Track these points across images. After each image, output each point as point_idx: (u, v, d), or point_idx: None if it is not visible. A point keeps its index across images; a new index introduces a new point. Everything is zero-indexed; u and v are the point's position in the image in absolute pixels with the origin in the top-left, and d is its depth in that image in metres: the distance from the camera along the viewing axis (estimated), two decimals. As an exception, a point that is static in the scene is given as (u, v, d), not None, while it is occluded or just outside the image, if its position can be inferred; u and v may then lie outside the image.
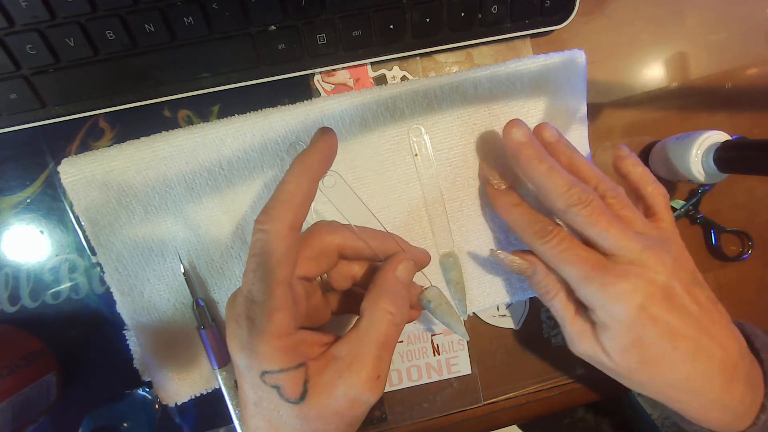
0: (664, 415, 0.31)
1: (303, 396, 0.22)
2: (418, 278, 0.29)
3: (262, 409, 0.22)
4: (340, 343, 0.24)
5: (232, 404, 0.32)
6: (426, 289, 0.29)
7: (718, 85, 0.36)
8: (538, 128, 0.30)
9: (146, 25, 0.28)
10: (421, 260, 0.29)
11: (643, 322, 0.25)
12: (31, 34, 0.28)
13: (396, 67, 0.34)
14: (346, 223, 0.28)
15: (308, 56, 0.31)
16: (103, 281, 0.33)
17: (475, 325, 0.37)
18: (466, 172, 0.34)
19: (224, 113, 0.33)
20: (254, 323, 0.22)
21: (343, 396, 0.22)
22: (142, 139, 0.31)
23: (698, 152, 0.31)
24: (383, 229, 0.29)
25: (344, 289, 0.29)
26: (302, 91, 0.33)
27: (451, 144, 0.33)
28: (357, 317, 0.25)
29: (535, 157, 0.27)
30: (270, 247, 0.22)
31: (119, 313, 0.32)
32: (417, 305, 0.29)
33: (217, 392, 0.34)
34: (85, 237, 0.32)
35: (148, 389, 0.34)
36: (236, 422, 0.31)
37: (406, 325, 0.35)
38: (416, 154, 0.33)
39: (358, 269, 0.29)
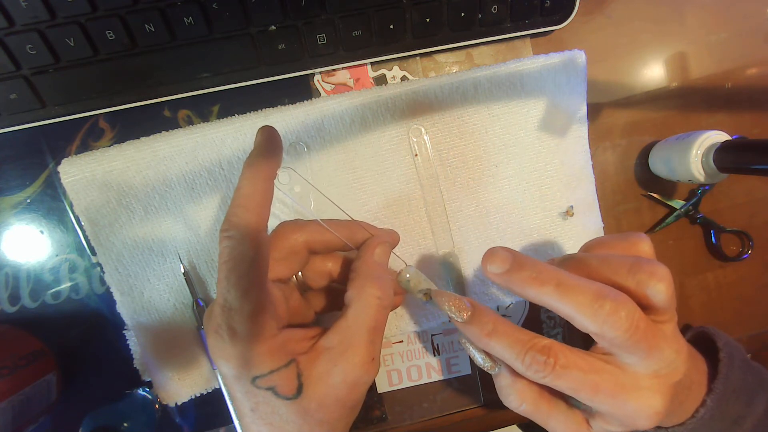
0: None
1: (299, 390, 0.22)
2: (393, 264, 0.29)
3: (261, 414, 0.22)
4: (329, 334, 0.24)
5: (232, 404, 0.32)
6: (402, 270, 0.29)
7: (718, 85, 0.36)
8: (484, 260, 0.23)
9: (146, 25, 0.28)
10: (393, 240, 0.28)
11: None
12: (31, 34, 0.28)
13: (396, 67, 0.34)
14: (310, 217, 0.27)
15: (308, 56, 0.31)
16: (103, 281, 0.33)
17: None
18: (466, 172, 0.34)
19: (224, 113, 0.33)
20: (235, 331, 0.21)
21: (341, 382, 0.22)
22: (142, 139, 0.31)
23: (698, 152, 0.31)
24: (348, 218, 0.28)
25: (322, 286, 0.29)
26: (302, 91, 0.33)
27: (451, 144, 0.33)
28: (340, 313, 0.25)
29: (531, 280, 0.21)
30: (239, 252, 0.21)
31: (119, 313, 0.32)
32: (398, 290, 0.29)
33: (217, 392, 0.34)
34: (85, 237, 0.32)
35: (148, 389, 0.34)
36: (236, 422, 0.31)
37: (406, 325, 0.35)
38: (416, 154, 0.33)
39: (332, 265, 0.28)
